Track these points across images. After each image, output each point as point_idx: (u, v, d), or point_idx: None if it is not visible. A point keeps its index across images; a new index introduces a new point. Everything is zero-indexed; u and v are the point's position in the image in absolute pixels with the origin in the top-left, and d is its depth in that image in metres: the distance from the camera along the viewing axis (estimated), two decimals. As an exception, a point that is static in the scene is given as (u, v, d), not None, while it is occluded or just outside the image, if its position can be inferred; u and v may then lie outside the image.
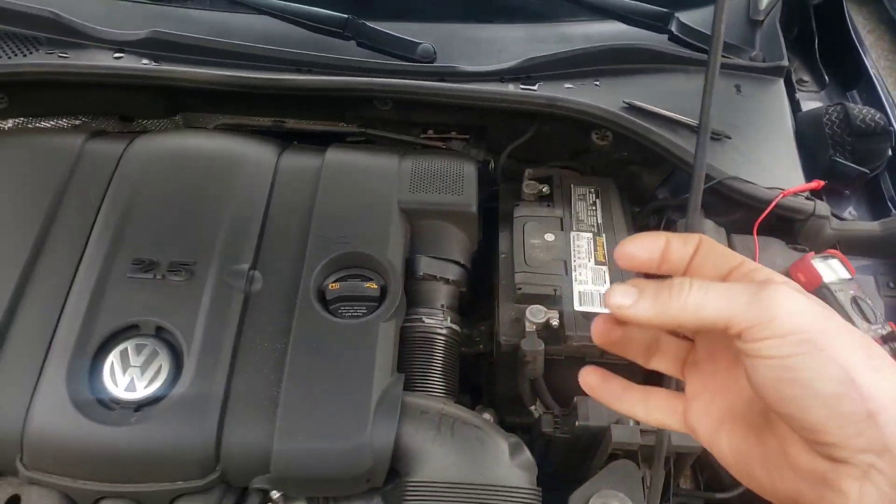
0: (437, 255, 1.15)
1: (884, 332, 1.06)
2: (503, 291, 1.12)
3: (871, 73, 1.46)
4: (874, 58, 3.56)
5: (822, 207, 1.19)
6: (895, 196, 1.30)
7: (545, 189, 1.24)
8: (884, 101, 1.40)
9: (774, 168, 1.24)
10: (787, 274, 1.15)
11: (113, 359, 0.95)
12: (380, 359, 0.97)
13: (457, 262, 1.16)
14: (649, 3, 1.34)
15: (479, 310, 1.25)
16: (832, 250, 1.16)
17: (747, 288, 0.41)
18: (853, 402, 0.39)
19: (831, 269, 1.11)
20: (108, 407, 0.92)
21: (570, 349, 1.05)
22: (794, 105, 1.40)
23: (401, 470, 0.93)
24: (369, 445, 0.91)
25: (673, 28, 1.31)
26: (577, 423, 0.99)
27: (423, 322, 1.10)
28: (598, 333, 0.52)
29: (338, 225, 1.10)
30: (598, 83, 1.28)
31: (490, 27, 1.42)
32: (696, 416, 0.49)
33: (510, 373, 1.09)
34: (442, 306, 1.12)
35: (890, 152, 1.30)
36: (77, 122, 1.36)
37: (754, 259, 1.15)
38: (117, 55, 1.25)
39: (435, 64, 1.27)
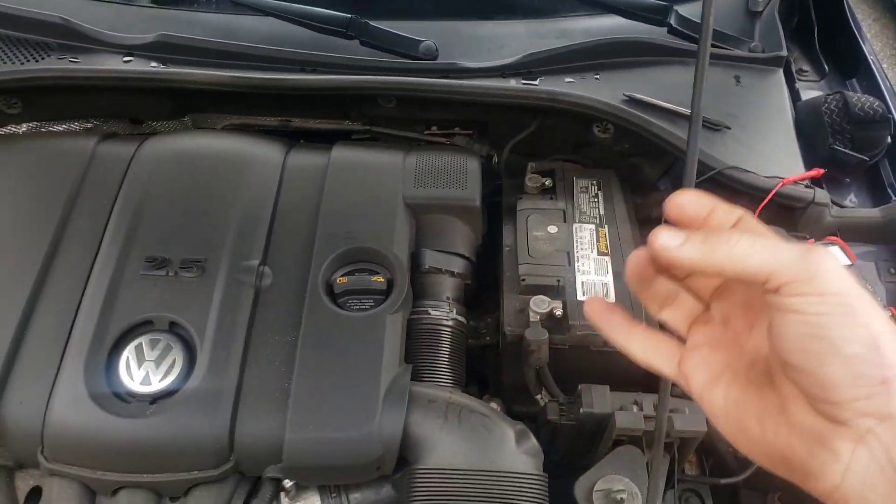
0: (441, 249, 1.17)
1: (885, 317, 1.07)
2: (507, 283, 1.14)
3: (871, 61, 1.47)
4: (879, 47, 3.55)
5: (822, 195, 1.21)
6: (895, 183, 1.31)
7: (548, 182, 1.25)
8: (883, 89, 1.41)
9: (774, 157, 1.26)
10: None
11: (128, 353, 0.98)
12: (387, 350, 0.99)
13: (461, 255, 1.18)
14: (648, -4, 1.36)
15: (485, 302, 1.27)
16: (833, 237, 1.18)
17: (794, 247, 0.43)
18: (872, 366, 0.40)
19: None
20: (125, 400, 0.95)
21: (574, 338, 1.06)
22: (794, 94, 1.42)
23: (409, 457, 0.95)
24: (378, 434, 0.93)
25: (672, 21, 1.33)
26: (581, 410, 1.00)
27: (430, 314, 1.12)
28: (631, 267, 0.51)
29: (344, 221, 1.12)
30: (598, 77, 1.29)
31: (491, 24, 1.44)
32: (693, 365, 0.50)
33: (515, 363, 1.11)
34: (447, 298, 1.15)
35: (889, 140, 1.31)
36: (88, 125, 1.39)
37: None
38: (126, 59, 1.28)
39: (437, 61, 1.29)
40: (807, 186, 1.21)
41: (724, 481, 1.11)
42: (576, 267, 1.12)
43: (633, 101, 1.24)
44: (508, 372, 1.15)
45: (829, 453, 0.42)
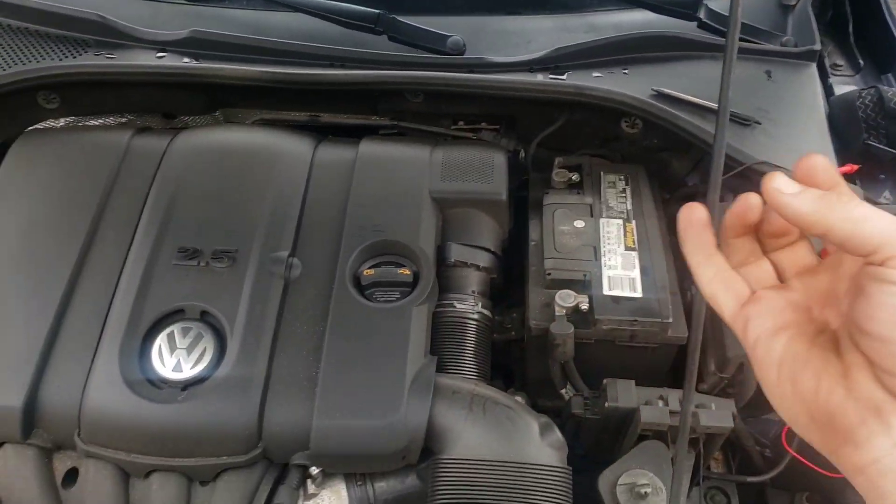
0: (467, 243, 1.18)
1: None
2: (533, 277, 1.14)
3: (907, 56, 1.44)
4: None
5: (856, 191, 1.18)
6: (931, 179, 1.28)
7: (575, 177, 1.25)
8: (919, 83, 1.38)
9: (806, 153, 1.23)
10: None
11: (161, 341, 1.00)
12: (413, 341, 1.01)
13: (487, 249, 1.18)
14: (678, -10, 1.35)
15: (511, 297, 1.28)
16: (865, 233, 1.15)
17: None
18: None
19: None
20: (157, 386, 0.97)
21: (599, 333, 1.06)
22: (827, 89, 1.39)
23: (434, 448, 0.97)
24: (404, 424, 0.94)
25: (701, 15, 1.32)
26: (606, 405, 1.00)
27: (455, 307, 1.13)
28: (738, 207, 0.49)
29: (372, 214, 1.13)
30: (626, 71, 1.28)
31: (518, 18, 1.43)
32: (760, 311, 0.48)
33: (541, 357, 1.11)
34: (473, 292, 1.15)
35: (926, 135, 1.28)
36: (123, 120, 1.42)
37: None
38: (160, 55, 1.30)
39: (465, 56, 1.29)
40: (839, 182, 1.19)
41: (750, 479, 1.11)
42: (602, 261, 1.12)
43: (661, 96, 1.23)
44: (533, 366, 1.15)
45: (883, 425, 0.41)
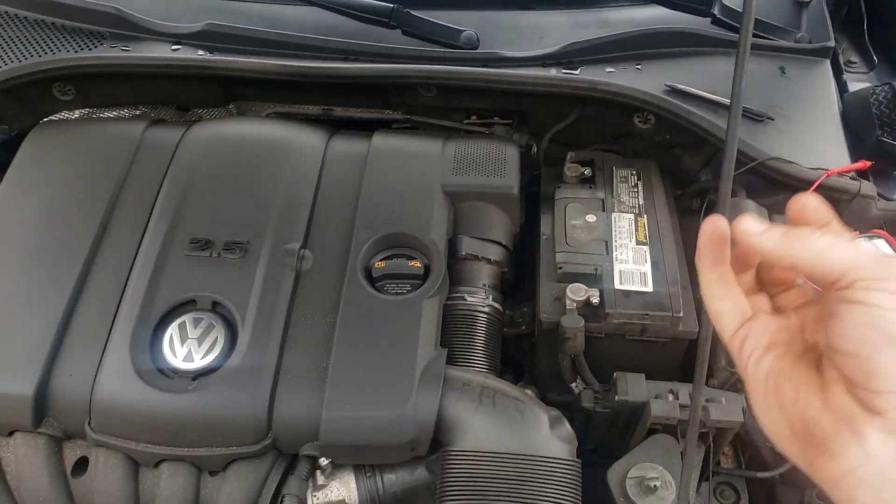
0: (479, 236, 1.17)
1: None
2: (544, 271, 1.14)
3: (923, 53, 1.43)
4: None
5: (868, 187, 1.18)
6: (946, 177, 1.27)
7: (587, 172, 1.25)
8: (935, 80, 1.37)
9: (819, 149, 1.23)
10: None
11: (172, 331, 1.01)
12: (424, 333, 1.01)
13: (498, 243, 1.18)
14: (692, -14, 1.35)
15: (522, 292, 1.28)
16: (878, 230, 1.15)
17: (874, 251, 0.45)
18: None
19: (876, 249, 1.10)
20: (168, 376, 0.98)
21: (610, 326, 1.06)
22: (842, 86, 1.38)
23: (443, 439, 0.96)
24: (413, 415, 0.94)
25: (715, 11, 1.31)
26: (616, 398, 1.00)
27: (466, 300, 1.13)
28: (707, 231, 0.52)
29: (383, 206, 1.14)
30: (639, 67, 1.28)
31: (532, 14, 1.43)
32: (757, 328, 0.51)
33: (551, 350, 1.11)
34: (484, 285, 1.15)
35: (941, 133, 1.28)
36: (137, 112, 1.43)
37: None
38: (175, 47, 1.31)
39: (478, 50, 1.29)
40: (852, 178, 1.19)
41: (760, 475, 1.10)
42: (613, 256, 1.12)
43: (674, 92, 1.23)
44: (543, 360, 1.15)
45: (856, 437, 0.42)
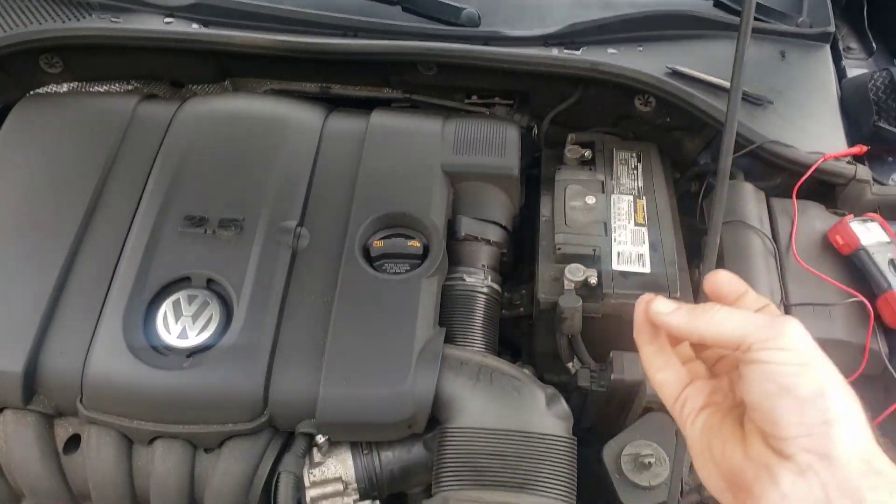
0: (478, 217, 1.17)
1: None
2: (543, 252, 1.13)
3: (921, 40, 1.44)
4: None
5: (864, 172, 1.19)
6: (941, 162, 1.28)
7: (587, 153, 1.25)
8: (932, 67, 1.38)
9: (817, 133, 1.24)
10: (826, 237, 1.15)
11: (166, 308, 0.99)
12: (422, 312, 1.00)
13: (498, 224, 1.18)
14: (694, -32, 1.34)
15: (520, 274, 1.27)
16: (872, 214, 1.16)
17: (765, 315, 0.52)
18: (817, 409, 0.46)
19: (870, 232, 1.11)
20: (162, 353, 0.97)
21: (607, 307, 1.06)
22: (840, 72, 1.39)
23: (440, 417, 0.96)
24: (411, 393, 0.94)
25: (717, -7, 1.31)
26: (612, 377, 1.00)
27: (464, 280, 1.12)
28: (640, 311, 0.57)
29: (382, 185, 1.12)
30: (641, 48, 1.28)
31: (534, -8, 1.42)
32: (693, 393, 0.56)
33: (548, 331, 1.11)
34: (483, 266, 1.15)
35: (937, 119, 1.28)
36: (129, 87, 1.40)
37: (793, 222, 1.15)
38: (167, 20, 1.29)
39: (479, 29, 1.28)
40: (849, 163, 1.19)
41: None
42: (612, 237, 1.11)
43: (675, 74, 1.23)
44: (541, 340, 1.14)
45: (772, 480, 0.47)
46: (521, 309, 1.21)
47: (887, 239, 1.12)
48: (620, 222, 1.13)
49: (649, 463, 0.94)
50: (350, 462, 0.97)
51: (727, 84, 1.21)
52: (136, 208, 1.08)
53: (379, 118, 1.22)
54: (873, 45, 1.47)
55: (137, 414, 0.95)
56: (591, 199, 1.16)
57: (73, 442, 1.00)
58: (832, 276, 1.11)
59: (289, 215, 1.08)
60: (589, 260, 1.09)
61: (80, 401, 0.95)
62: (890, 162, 1.27)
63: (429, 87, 1.34)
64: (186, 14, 1.29)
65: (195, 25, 1.28)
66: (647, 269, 1.08)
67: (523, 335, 1.24)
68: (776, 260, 1.12)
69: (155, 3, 1.30)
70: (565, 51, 1.24)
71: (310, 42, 1.24)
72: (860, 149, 1.22)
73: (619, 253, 1.10)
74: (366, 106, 1.28)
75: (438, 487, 0.91)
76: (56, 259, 1.02)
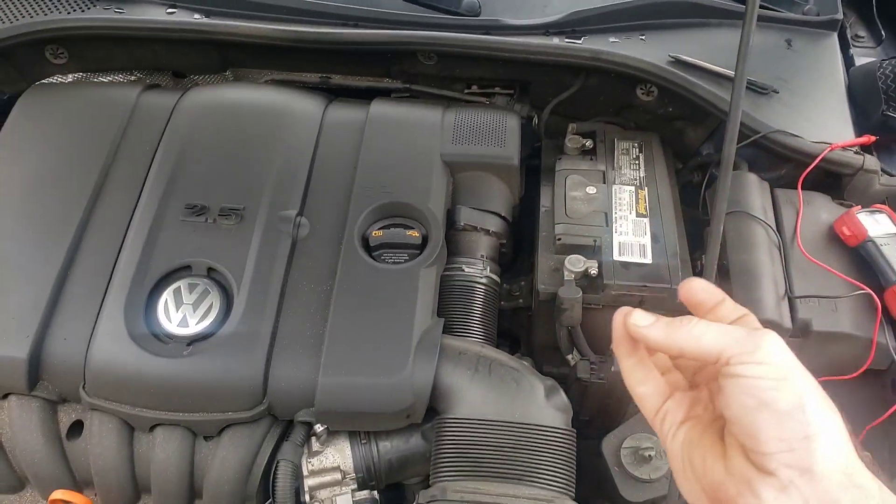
0: (477, 207, 1.16)
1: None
2: (543, 243, 1.13)
3: (931, 28, 1.41)
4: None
5: (872, 162, 1.17)
6: (950, 153, 1.26)
7: (588, 143, 1.24)
8: (942, 56, 1.36)
9: (823, 122, 1.22)
10: (832, 229, 1.14)
11: (167, 296, 1.00)
12: (421, 302, 1.00)
13: (497, 214, 1.17)
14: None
15: (519, 266, 1.27)
16: (881, 205, 1.14)
17: (743, 328, 0.51)
18: (797, 424, 0.46)
19: (878, 224, 1.10)
20: (163, 341, 0.97)
21: (608, 298, 1.06)
22: (848, 60, 1.37)
23: (438, 407, 0.96)
24: (409, 383, 0.94)
25: (722, -20, 1.29)
26: (612, 369, 1.00)
27: (463, 271, 1.12)
28: (618, 324, 0.57)
29: (381, 175, 1.12)
30: (643, 37, 1.27)
31: (536, -19, 1.41)
32: (673, 407, 0.56)
33: (548, 322, 1.11)
34: (482, 256, 1.14)
35: (947, 109, 1.26)
36: (132, 78, 1.41)
37: (798, 213, 1.14)
38: (170, 10, 1.29)
39: (480, 17, 1.27)
40: (856, 153, 1.18)
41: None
42: (613, 227, 1.11)
43: (678, 63, 1.22)
44: (540, 331, 1.14)
45: (754, 496, 0.47)
46: (521, 300, 1.20)
47: (895, 230, 1.10)
48: (622, 213, 1.13)
49: (649, 456, 0.94)
50: (348, 451, 0.98)
51: (730, 73, 1.20)
52: (139, 197, 1.09)
53: (379, 108, 1.22)
54: (882, 32, 1.45)
55: (138, 401, 0.96)
56: (591, 190, 1.15)
57: (76, 428, 1.01)
58: (838, 268, 1.10)
59: (289, 204, 1.08)
60: (589, 251, 1.09)
61: (83, 387, 0.96)
62: (898, 151, 1.25)
63: (429, 77, 1.34)
64: (189, 4, 1.30)
65: (197, 16, 1.28)
66: (648, 260, 1.07)
67: (522, 326, 1.24)
68: (780, 251, 1.11)
69: (158, -7, 1.30)
70: (566, 40, 1.23)
71: (310, 32, 1.24)
72: (868, 139, 1.20)
73: (620, 243, 1.09)
74: (366, 96, 1.28)
75: (436, 478, 0.91)
76: (60, 247, 1.03)
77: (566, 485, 0.91)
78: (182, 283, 1.01)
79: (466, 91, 1.37)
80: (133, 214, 1.07)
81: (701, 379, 0.57)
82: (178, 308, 0.99)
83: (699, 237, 1.14)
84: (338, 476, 0.97)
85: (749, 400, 0.47)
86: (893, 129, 1.23)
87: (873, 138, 1.20)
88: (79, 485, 1.03)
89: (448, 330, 1.04)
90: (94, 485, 1.00)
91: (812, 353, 1.07)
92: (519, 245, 1.27)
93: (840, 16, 1.34)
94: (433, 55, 1.28)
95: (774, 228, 1.13)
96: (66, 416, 1.01)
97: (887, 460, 1.06)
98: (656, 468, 0.94)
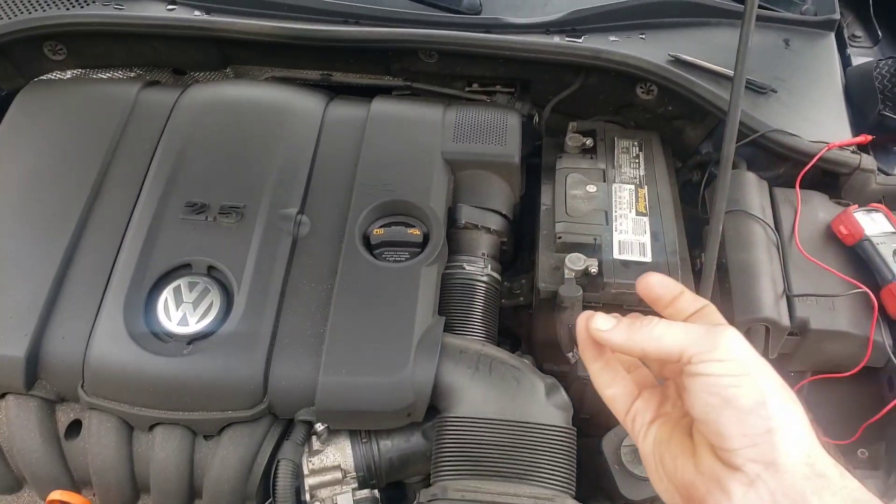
0: (478, 205, 1.16)
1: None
2: (544, 241, 1.13)
3: (928, 28, 1.42)
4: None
5: (868, 161, 1.18)
6: (947, 152, 1.27)
7: (588, 142, 1.24)
8: (939, 56, 1.36)
9: (821, 122, 1.23)
10: (829, 228, 1.14)
11: (167, 295, 0.99)
12: (421, 301, 1.00)
13: (498, 212, 1.17)
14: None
15: (520, 263, 1.27)
16: (877, 204, 1.15)
17: (702, 326, 0.52)
18: (759, 419, 0.47)
19: (874, 222, 1.10)
20: (163, 340, 0.97)
21: (608, 296, 1.06)
22: (845, 60, 1.38)
23: (439, 406, 0.96)
24: (410, 381, 0.93)
25: (721, -20, 1.30)
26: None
27: (464, 269, 1.12)
28: (582, 330, 0.58)
29: (382, 173, 1.12)
30: (643, 36, 1.27)
31: (537, -20, 1.41)
32: (642, 407, 0.57)
33: (549, 320, 1.10)
34: (483, 254, 1.14)
35: (943, 109, 1.27)
36: (132, 74, 1.40)
37: (796, 212, 1.15)
38: (170, 7, 1.29)
39: (481, 16, 1.27)
40: (853, 152, 1.19)
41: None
42: (613, 226, 1.11)
43: (678, 62, 1.22)
44: (541, 329, 1.14)
45: (723, 493, 0.48)
46: (521, 298, 1.20)
47: (892, 229, 1.11)
48: (622, 211, 1.13)
49: (648, 453, 0.94)
50: (349, 450, 0.98)
51: (730, 72, 1.20)
52: (138, 194, 1.08)
53: (380, 106, 1.22)
54: (879, 32, 1.46)
55: (138, 400, 0.95)
56: (592, 188, 1.16)
57: (75, 427, 1.01)
58: (835, 267, 1.10)
59: (289, 202, 1.08)
60: (590, 249, 1.09)
61: (82, 386, 0.96)
62: (895, 151, 1.26)
63: (430, 75, 1.34)
64: (189, 1, 1.29)
65: (197, 13, 1.28)
66: (648, 259, 1.08)
67: (523, 324, 1.24)
68: (779, 250, 1.12)
69: (157, -10, 1.30)
70: (567, 38, 1.23)
71: (311, 29, 1.24)
72: (865, 138, 1.21)
73: (620, 242, 1.09)
74: (367, 93, 1.27)
75: (437, 477, 0.91)
76: (59, 245, 1.03)
77: (567, 483, 0.91)
78: (182, 282, 1.00)
79: (467, 89, 1.37)
80: (133, 212, 1.07)
81: (668, 373, 0.58)
82: (178, 307, 0.99)
83: (699, 235, 1.15)
84: (338, 475, 0.97)
85: (712, 399, 0.48)
86: (890, 128, 1.24)
87: (870, 138, 1.21)
88: (77, 485, 1.02)
89: (449, 328, 1.04)
90: (92, 485, 1.00)
91: (810, 351, 1.08)
92: (519, 243, 1.27)
93: (837, 16, 1.34)
94: (434, 53, 1.28)
95: (773, 227, 1.14)
96: (64, 416, 1.00)
97: (884, 457, 1.07)
98: (656, 466, 0.94)
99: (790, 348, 1.08)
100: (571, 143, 1.23)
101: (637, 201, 1.14)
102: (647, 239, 1.09)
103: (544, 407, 0.95)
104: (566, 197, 1.15)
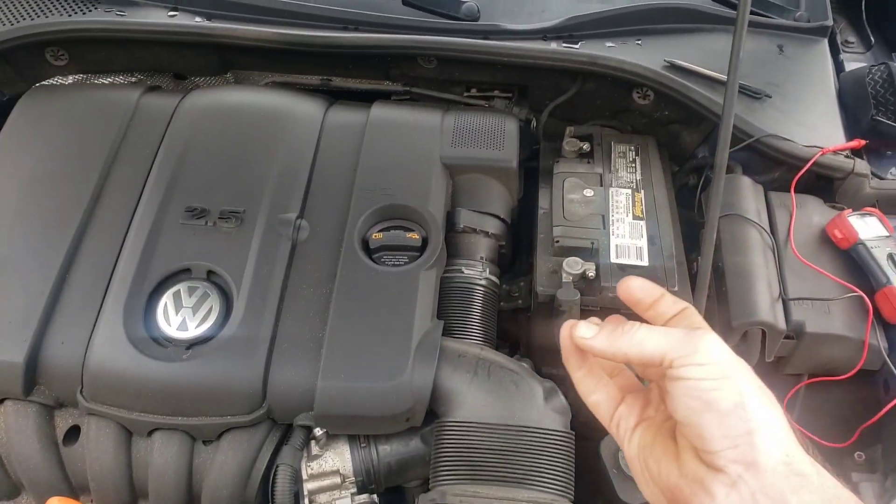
0: (477, 209, 1.17)
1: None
2: (541, 245, 1.14)
3: (920, 34, 1.44)
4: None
5: (862, 166, 1.19)
6: (939, 157, 1.28)
7: (585, 146, 1.25)
8: (931, 61, 1.38)
9: (815, 127, 1.24)
10: (824, 231, 1.15)
11: (166, 300, 0.99)
12: (420, 305, 1.00)
13: (496, 216, 1.18)
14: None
15: (518, 267, 1.28)
16: (871, 208, 1.16)
17: (682, 330, 0.53)
18: (739, 420, 0.48)
19: (868, 226, 1.11)
20: (162, 344, 0.97)
21: (605, 300, 1.06)
22: (838, 66, 1.39)
23: (438, 410, 0.96)
24: (409, 386, 0.94)
25: (715, -13, 1.31)
26: None
27: (463, 273, 1.12)
28: (565, 338, 0.59)
29: (381, 177, 1.13)
30: (639, 42, 1.28)
31: (534, -14, 1.42)
32: (626, 412, 0.58)
33: (546, 324, 1.11)
34: (481, 258, 1.15)
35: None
36: (133, 79, 1.40)
37: (791, 216, 1.16)
38: (171, 13, 1.29)
39: (479, 22, 1.28)
40: (847, 157, 1.20)
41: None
42: (610, 230, 1.12)
43: (673, 67, 1.23)
44: (539, 333, 1.15)
45: (707, 495, 0.49)
46: (520, 302, 1.21)
47: (886, 233, 1.12)
48: (619, 215, 1.14)
49: (646, 457, 0.94)
50: (348, 455, 0.98)
51: (724, 77, 1.21)
52: (139, 199, 1.09)
53: (379, 111, 1.22)
54: (871, 38, 1.47)
55: (137, 405, 0.95)
56: (589, 192, 1.16)
57: (73, 433, 1.00)
58: (830, 271, 1.11)
59: (289, 207, 1.08)
60: (587, 253, 1.09)
61: (81, 392, 0.96)
62: (888, 156, 1.27)
63: (428, 81, 1.35)
64: (190, 7, 1.30)
65: (198, 18, 1.28)
66: (645, 263, 1.08)
67: (521, 328, 1.24)
68: (774, 254, 1.13)
69: (158, -5, 1.30)
70: (564, 44, 1.24)
71: (311, 35, 1.25)
72: (858, 143, 1.22)
73: (617, 246, 1.10)
74: (366, 98, 1.28)
75: (436, 481, 0.91)
76: (58, 250, 1.03)
77: (565, 487, 0.91)
78: (181, 287, 1.00)
79: (466, 94, 1.38)
80: (133, 217, 1.07)
81: (651, 375, 0.58)
82: (177, 311, 0.99)
83: (695, 239, 1.16)
84: (337, 480, 0.97)
85: (693, 402, 0.49)
86: (882, 133, 1.25)
87: (863, 142, 1.22)
88: (75, 491, 1.02)
89: (448, 332, 1.04)
90: (90, 491, 0.99)
91: (806, 355, 1.08)
92: (518, 246, 1.28)
93: (830, 22, 1.36)
94: (433, 59, 1.29)
95: (768, 231, 1.14)
96: (62, 421, 1.00)
97: (880, 460, 1.08)
98: (654, 470, 0.94)
99: (786, 352, 1.09)
100: (569, 148, 1.24)
101: (634, 205, 1.15)
102: (643, 243, 1.10)
103: (543, 411, 0.95)
104: (563, 201, 1.16)
